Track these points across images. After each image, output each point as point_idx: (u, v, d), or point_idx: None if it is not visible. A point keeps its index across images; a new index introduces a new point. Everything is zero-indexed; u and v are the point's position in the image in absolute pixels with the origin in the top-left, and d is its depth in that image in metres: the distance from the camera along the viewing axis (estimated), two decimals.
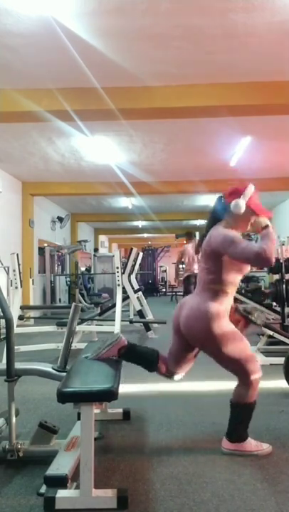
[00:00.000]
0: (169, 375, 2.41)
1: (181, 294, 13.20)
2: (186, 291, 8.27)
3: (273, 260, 2.09)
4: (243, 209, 2.18)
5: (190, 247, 8.32)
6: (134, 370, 4.02)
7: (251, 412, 2.24)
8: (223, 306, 2.19)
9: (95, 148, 7.11)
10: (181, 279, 8.49)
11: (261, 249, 2.02)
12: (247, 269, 2.24)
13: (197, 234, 13.71)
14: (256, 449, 2.24)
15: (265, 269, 5.81)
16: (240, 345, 2.19)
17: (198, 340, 2.23)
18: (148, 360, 2.36)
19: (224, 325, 2.16)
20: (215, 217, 2.28)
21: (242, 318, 2.41)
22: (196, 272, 7.91)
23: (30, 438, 2.24)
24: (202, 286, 2.25)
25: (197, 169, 8.52)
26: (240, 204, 2.17)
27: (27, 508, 1.78)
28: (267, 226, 2.19)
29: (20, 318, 5.39)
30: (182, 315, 2.25)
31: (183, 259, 8.64)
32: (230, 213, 2.22)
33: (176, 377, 2.42)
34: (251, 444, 2.25)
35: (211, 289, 2.20)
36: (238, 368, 2.19)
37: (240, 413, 2.23)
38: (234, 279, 2.22)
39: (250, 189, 2.22)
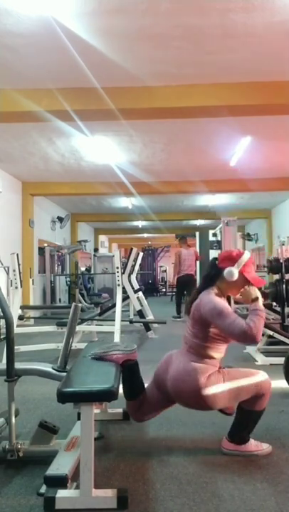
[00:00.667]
0: (134, 417, 2.38)
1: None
2: (179, 292, 8.75)
3: (260, 338, 2.04)
4: (235, 277, 2.16)
5: (184, 251, 8.71)
6: None
7: (259, 419, 2.23)
8: (209, 366, 2.16)
9: (95, 148, 7.11)
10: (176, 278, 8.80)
11: (247, 327, 1.98)
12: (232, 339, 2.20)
13: (197, 234, 13.75)
14: (256, 449, 2.24)
15: (265, 269, 5.80)
16: (231, 395, 2.13)
17: (189, 403, 2.20)
18: (134, 390, 2.33)
19: (213, 384, 2.10)
20: (207, 280, 2.26)
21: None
22: (190, 272, 8.63)
23: (30, 438, 2.24)
24: (188, 347, 2.22)
25: (197, 169, 8.52)
26: (234, 272, 2.16)
27: (27, 508, 1.78)
28: (256, 299, 2.16)
29: (20, 318, 5.39)
30: (169, 377, 2.20)
31: (180, 263, 8.71)
32: (222, 278, 2.20)
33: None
34: (251, 444, 2.25)
35: (196, 352, 2.18)
36: (247, 394, 2.15)
37: (248, 420, 2.22)
38: (219, 347, 2.19)
39: (245, 257, 2.20)
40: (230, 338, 2.13)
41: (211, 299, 2.14)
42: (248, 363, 4.42)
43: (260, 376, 2.20)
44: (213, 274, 2.25)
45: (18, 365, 2.18)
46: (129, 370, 2.31)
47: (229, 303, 2.30)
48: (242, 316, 2.09)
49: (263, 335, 4.87)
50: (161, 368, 2.31)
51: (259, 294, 2.18)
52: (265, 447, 2.26)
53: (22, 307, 5.98)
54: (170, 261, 20.83)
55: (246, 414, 2.21)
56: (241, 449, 2.23)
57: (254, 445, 2.25)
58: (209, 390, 2.09)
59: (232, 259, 2.21)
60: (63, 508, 1.73)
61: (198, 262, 9.87)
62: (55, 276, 11.12)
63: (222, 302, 2.14)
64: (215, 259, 2.31)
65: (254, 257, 16.15)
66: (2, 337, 4.96)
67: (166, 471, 2.07)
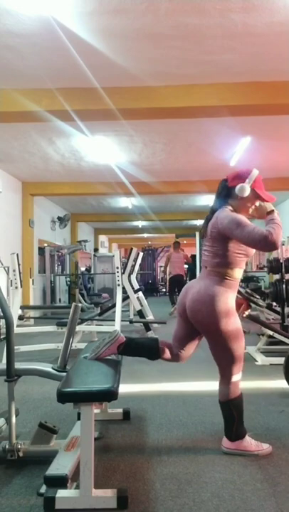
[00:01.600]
0: (174, 358, 2.41)
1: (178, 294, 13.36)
2: (171, 290, 9.92)
3: (279, 244, 2.07)
4: (247, 193, 2.17)
5: (174, 254, 9.96)
6: (134, 370, 4.03)
7: (240, 406, 2.25)
8: (230, 290, 2.19)
9: (95, 148, 7.11)
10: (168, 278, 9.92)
11: (268, 233, 2.00)
12: (252, 252, 2.22)
13: (197, 234, 13.75)
14: (256, 449, 2.24)
15: (265, 269, 5.80)
16: (240, 343, 2.20)
17: (202, 323, 2.21)
18: (149, 350, 2.36)
19: (231, 314, 2.16)
20: (220, 200, 2.28)
21: (244, 301, 2.40)
22: (180, 273, 9.83)
23: (31, 438, 2.24)
24: (208, 270, 2.23)
25: (197, 169, 8.53)
26: (246, 188, 2.16)
27: (27, 508, 1.78)
28: (272, 211, 2.20)
29: (20, 318, 5.39)
30: (188, 298, 2.24)
31: (168, 265, 10.09)
32: (234, 197, 2.22)
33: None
34: (251, 444, 2.25)
35: (218, 273, 2.19)
36: (226, 362, 2.20)
37: (230, 410, 2.24)
38: (240, 262, 2.22)
39: (255, 173, 2.20)
40: (252, 246, 2.12)
41: (228, 213, 2.15)
42: (248, 363, 4.42)
43: (240, 367, 2.24)
44: (224, 194, 2.26)
45: (18, 365, 2.18)
46: (128, 349, 2.32)
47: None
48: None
49: (262, 335, 4.88)
50: (181, 296, 2.34)
51: (273, 207, 2.21)
52: (265, 447, 2.26)
53: (22, 307, 5.98)
54: None
55: (226, 405, 2.25)
56: (242, 449, 2.23)
57: (254, 445, 2.25)
58: (226, 315, 2.13)
59: (242, 177, 2.21)
60: (63, 508, 1.73)
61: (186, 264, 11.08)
62: (55, 276, 11.12)
63: (238, 215, 2.15)
64: (225, 180, 2.30)
65: (254, 257, 16.20)
66: (2, 337, 4.96)
67: (166, 471, 2.07)
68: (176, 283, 9.59)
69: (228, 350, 2.18)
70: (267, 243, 2.00)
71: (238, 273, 2.23)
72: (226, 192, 2.26)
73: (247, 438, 2.26)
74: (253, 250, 2.20)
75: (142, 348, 2.39)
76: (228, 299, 2.17)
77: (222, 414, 2.28)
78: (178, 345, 2.40)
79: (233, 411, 2.24)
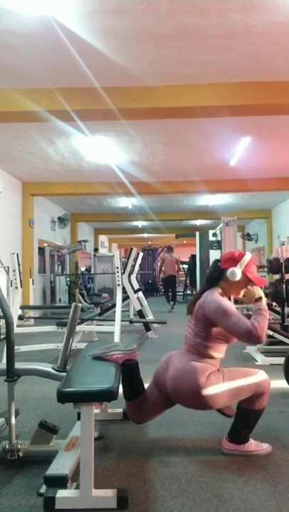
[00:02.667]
0: (132, 418, 2.38)
1: (181, 293, 13.54)
2: (166, 289, 11.42)
3: (264, 338, 2.05)
4: (238, 277, 2.18)
5: (168, 257, 11.36)
6: None
7: (259, 418, 2.23)
8: (209, 366, 2.15)
9: (95, 148, 7.11)
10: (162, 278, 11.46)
11: (252, 328, 1.99)
12: (234, 339, 2.20)
13: (197, 234, 13.78)
14: (256, 449, 2.24)
15: (265, 269, 5.81)
16: (231, 394, 2.13)
17: (188, 402, 2.19)
18: (134, 391, 2.33)
19: (212, 383, 2.10)
20: (210, 281, 2.27)
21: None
22: (173, 273, 11.21)
23: (30, 438, 2.24)
24: (188, 346, 2.23)
25: (197, 169, 8.53)
26: (236, 272, 2.17)
27: (27, 508, 1.78)
28: (260, 298, 2.18)
29: (20, 318, 5.39)
30: (169, 376, 2.20)
31: (163, 266, 11.48)
32: (225, 279, 2.22)
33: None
34: (251, 444, 2.25)
35: (197, 351, 2.18)
36: (245, 396, 2.16)
37: (248, 419, 2.21)
38: (219, 347, 2.20)
39: (247, 257, 2.22)
40: (235, 338, 2.13)
41: (215, 298, 2.14)
42: (248, 363, 4.42)
43: (260, 375, 2.20)
44: (216, 276, 2.26)
45: (18, 365, 2.18)
46: (129, 371, 2.31)
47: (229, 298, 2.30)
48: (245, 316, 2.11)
49: (260, 343, 4.87)
50: (161, 368, 2.31)
51: (262, 294, 2.20)
52: (265, 447, 2.26)
53: (22, 307, 5.98)
54: None
55: (246, 413, 2.21)
56: (241, 449, 2.23)
57: (254, 445, 2.25)
58: (209, 390, 2.09)
59: (234, 260, 2.22)
60: (63, 508, 1.73)
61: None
62: (55, 276, 11.12)
63: (227, 301, 2.14)
64: (217, 261, 2.33)
65: (254, 257, 16.17)
66: (2, 337, 4.96)
67: (166, 471, 2.07)
68: (170, 282, 11.15)
69: (235, 396, 2.14)
70: (251, 337, 2.00)
71: (217, 355, 2.20)
72: (217, 273, 2.25)
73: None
74: (235, 338, 2.18)
75: (133, 383, 2.34)
76: (206, 372, 2.12)
77: (236, 417, 2.24)
78: (147, 413, 2.34)
79: (250, 420, 2.21)
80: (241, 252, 2.29)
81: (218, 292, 2.19)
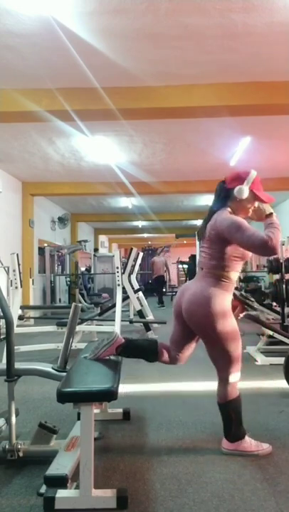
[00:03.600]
0: (172, 361, 2.41)
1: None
2: (156, 289, 12.51)
3: (278, 249, 2.06)
4: (246, 194, 2.16)
5: (157, 259, 12.56)
6: (134, 370, 4.03)
7: (238, 407, 2.24)
8: (226, 292, 2.19)
9: (95, 148, 7.11)
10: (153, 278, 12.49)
11: (268, 238, 1.99)
12: (249, 255, 2.23)
13: (197, 234, 13.79)
14: (256, 449, 2.24)
15: (265, 269, 5.81)
16: (236, 343, 2.19)
17: (198, 325, 2.21)
18: (147, 352, 2.37)
19: (227, 315, 2.15)
20: (218, 202, 2.26)
21: (239, 303, 2.40)
22: (162, 274, 12.32)
23: (31, 438, 2.24)
24: (204, 272, 2.23)
25: (197, 169, 8.53)
26: (244, 190, 2.15)
27: (27, 508, 1.78)
28: (271, 214, 2.19)
29: (20, 318, 5.39)
30: (184, 300, 2.23)
31: (153, 267, 12.38)
32: (233, 199, 2.21)
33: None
34: (251, 444, 2.25)
35: (214, 274, 2.19)
36: (223, 363, 2.20)
37: (228, 411, 2.24)
38: (236, 266, 2.21)
39: (253, 175, 2.19)
40: (251, 251, 2.13)
41: (227, 216, 2.14)
42: (248, 363, 4.42)
43: (239, 367, 2.23)
44: (223, 196, 2.24)
45: (18, 365, 2.18)
46: (127, 350, 2.32)
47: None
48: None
49: (262, 335, 4.88)
50: (177, 297, 2.34)
51: (272, 210, 2.20)
52: (265, 447, 2.26)
53: (22, 307, 5.98)
54: (170, 261, 20.84)
55: (224, 407, 2.24)
56: (241, 449, 2.23)
57: (254, 445, 2.25)
58: (222, 316, 2.12)
59: (240, 178, 2.19)
60: (63, 508, 1.73)
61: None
62: (55, 276, 11.12)
63: (238, 218, 2.13)
64: (223, 182, 2.29)
65: (254, 257, 16.18)
66: (2, 337, 4.96)
67: (166, 471, 2.07)
68: (159, 282, 12.43)
69: (225, 352, 2.18)
70: (266, 248, 1.99)
71: (234, 275, 2.23)
72: (224, 193, 2.24)
73: (247, 438, 2.26)
74: (250, 254, 2.20)
75: (140, 349, 2.40)
76: (224, 300, 2.17)
77: (221, 415, 2.28)
78: (175, 348, 2.39)
79: (231, 412, 2.23)
80: (246, 170, 2.25)
81: (228, 211, 2.19)
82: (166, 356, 2.38)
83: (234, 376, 2.22)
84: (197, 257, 12.92)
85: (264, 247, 1.99)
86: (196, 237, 2.33)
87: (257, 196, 2.21)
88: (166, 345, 2.41)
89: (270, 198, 2.24)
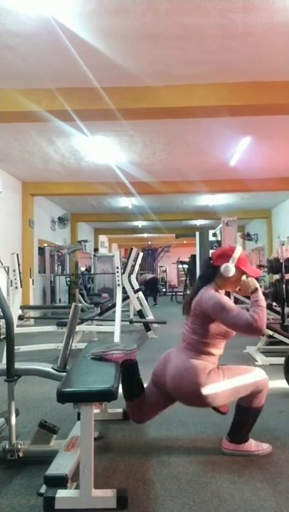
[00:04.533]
0: (134, 417, 2.37)
1: (181, 293, 13.87)
2: (146, 290, 12.04)
3: (264, 329, 2.07)
4: (232, 272, 2.18)
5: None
6: None
7: (258, 416, 2.23)
8: (208, 363, 2.16)
9: (95, 148, 7.11)
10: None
11: (252, 319, 2.00)
12: (232, 335, 2.20)
13: (197, 234, 13.82)
14: (256, 449, 2.24)
15: (265, 269, 5.81)
16: (231, 392, 2.15)
17: (188, 400, 2.20)
18: (134, 391, 2.33)
19: (213, 381, 2.11)
20: (204, 279, 2.27)
21: None
22: (154, 276, 13.31)
23: (31, 438, 2.24)
24: (186, 344, 2.23)
25: (197, 169, 8.53)
26: (230, 267, 2.18)
27: (27, 508, 1.78)
28: (256, 289, 2.18)
29: (20, 318, 5.39)
30: (168, 374, 2.20)
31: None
32: (219, 275, 2.22)
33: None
34: (251, 445, 2.25)
35: (195, 349, 2.18)
36: (234, 397, 2.18)
37: (247, 417, 2.22)
38: (218, 344, 2.20)
39: (238, 251, 2.22)
40: (236, 331, 2.13)
41: (212, 294, 2.15)
42: (248, 363, 4.41)
43: (258, 373, 2.21)
44: (210, 274, 2.26)
45: (18, 365, 2.18)
46: (128, 370, 2.31)
47: (229, 297, 2.30)
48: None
49: (262, 335, 4.88)
50: (159, 366, 2.31)
51: (258, 285, 2.21)
52: (265, 447, 2.26)
53: (22, 307, 5.98)
54: (170, 261, 20.85)
55: (245, 411, 2.21)
56: (241, 449, 2.23)
57: (254, 445, 2.25)
58: (209, 388, 2.09)
59: (226, 256, 2.22)
60: (63, 508, 1.73)
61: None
62: (55, 276, 11.11)
63: (223, 297, 2.15)
64: (209, 258, 2.34)
65: (254, 257, 16.18)
66: (2, 337, 4.96)
67: (166, 471, 2.07)
68: (152, 284, 12.95)
69: (234, 394, 2.15)
70: (251, 329, 2.01)
71: (215, 352, 2.21)
72: (211, 270, 2.26)
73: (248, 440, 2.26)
74: (234, 333, 2.18)
75: (133, 383, 2.34)
76: (206, 370, 2.12)
77: (235, 416, 2.25)
78: (147, 412, 2.34)
79: (249, 419, 2.21)
80: (232, 247, 2.29)
81: (214, 288, 2.20)
82: (134, 409, 2.34)
83: (259, 382, 2.17)
84: (197, 257, 13.01)
85: (249, 329, 2.01)
86: (182, 311, 2.32)
87: (243, 272, 2.23)
88: (141, 403, 2.34)
89: (256, 272, 2.26)
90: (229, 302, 2.11)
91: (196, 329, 2.19)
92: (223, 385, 2.12)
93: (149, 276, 13.62)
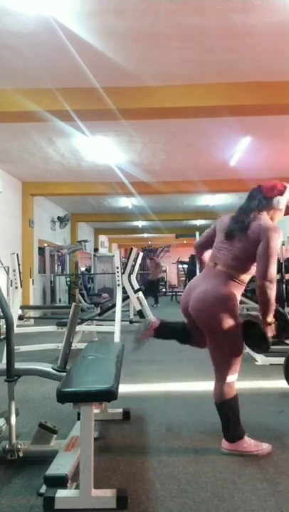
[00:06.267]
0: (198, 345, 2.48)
1: (181, 293, 13.80)
2: (150, 291, 12.67)
3: (271, 297, 2.15)
4: (283, 206, 2.29)
5: (148, 261, 14.03)
6: (134, 370, 4.03)
7: (235, 407, 2.26)
8: (237, 294, 2.22)
9: (95, 148, 7.11)
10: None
11: (272, 281, 2.12)
12: None
13: (197, 234, 13.81)
14: (256, 449, 2.24)
15: None
16: (240, 344, 2.23)
17: (205, 323, 2.24)
18: (179, 334, 2.46)
19: (235, 316, 2.18)
20: (252, 205, 2.30)
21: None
22: (159, 276, 13.45)
23: (31, 438, 2.24)
24: (218, 270, 2.25)
25: (197, 169, 8.53)
26: (283, 202, 2.28)
27: (27, 508, 1.78)
28: None
29: (20, 318, 5.39)
30: (193, 297, 2.26)
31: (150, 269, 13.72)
32: (270, 206, 2.28)
33: None
34: (251, 444, 2.25)
35: (229, 274, 2.22)
36: (224, 362, 2.23)
37: (225, 412, 2.26)
38: (253, 270, 2.26)
39: None
40: (258, 266, 2.16)
41: (274, 226, 2.19)
42: (248, 363, 4.42)
43: (237, 368, 2.26)
44: (259, 202, 2.29)
45: (18, 365, 2.18)
46: (161, 332, 2.41)
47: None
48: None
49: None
50: (185, 295, 2.40)
51: None
52: (265, 447, 2.26)
53: (22, 307, 5.98)
54: (170, 261, 20.84)
55: (220, 407, 2.26)
56: (241, 449, 2.23)
57: (254, 445, 2.25)
58: (231, 314, 2.16)
59: (278, 189, 2.30)
60: (63, 508, 1.73)
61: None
62: (55, 276, 11.11)
63: (278, 245, 2.19)
64: (259, 187, 2.35)
65: None
66: (2, 337, 4.96)
67: (166, 471, 2.07)
68: (152, 283, 13.29)
69: (228, 351, 2.20)
70: (265, 279, 2.11)
71: (246, 279, 2.28)
72: (264, 201, 2.29)
73: (246, 438, 2.26)
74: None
75: (173, 332, 2.47)
76: (234, 300, 2.20)
77: (219, 415, 2.29)
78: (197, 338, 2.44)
79: (228, 412, 2.25)
80: (282, 183, 2.35)
81: (276, 226, 2.23)
82: (199, 342, 2.43)
83: (232, 377, 2.24)
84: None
85: (264, 277, 2.10)
86: (224, 236, 2.33)
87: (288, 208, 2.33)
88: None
89: None
90: (276, 253, 2.14)
91: (239, 255, 2.22)
92: (236, 329, 2.19)
93: (159, 275, 14.05)
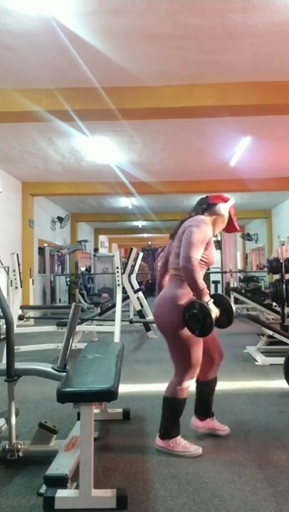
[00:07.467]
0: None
1: None
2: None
3: (193, 277, 2.09)
4: (225, 213, 2.41)
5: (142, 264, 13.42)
6: (134, 370, 4.03)
7: (180, 408, 2.27)
8: (190, 294, 2.18)
9: (95, 148, 7.11)
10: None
11: (194, 266, 2.08)
12: (213, 262, 2.34)
13: None
14: (183, 450, 2.24)
15: (265, 269, 5.81)
16: (197, 348, 2.21)
17: (161, 328, 2.27)
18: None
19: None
20: (197, 210, 2.43)
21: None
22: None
23: (31, 438, 2.24)
24: (171, 274, 2.34)
25: (197, 169, 8.52)
26: (225, 208, 2.41)
27: (27, 508, 1.78)
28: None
29: (20, 318, 5.39)
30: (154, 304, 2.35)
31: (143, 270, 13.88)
32: (212, 211, 2.39)
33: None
34: (178, 445, 2.26)
35: (178, 276, 2.24)
36: (182, 367, 2.24)
37: (170, 408, 2.27)
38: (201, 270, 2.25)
39: (232, 201, 2.48)
40: (180, 255, 2.17)
41: (201, 219, 2.28)
42: (248, 363, 4.42)
43: (196, 373, 2.26)
44: (203, 208, 2.41)
45: (18, 365, 2.18)
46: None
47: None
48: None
49: (262, 335, 4.88)
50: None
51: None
52: (192, 450, 2.25)
53: (22, 307, 5.98)
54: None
55: (166, 401, 2.28)
56: (169, 448, 2.25)
57: (182, 446, 2.26)
58: (179, 320, 2.16)
59: (223, 199, 2.44)
60: (63, 508, 1.73)
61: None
62: (55, 276, 11.11)
63: (204, 230, 2.23)
64: (206, 197, 2.48)
65: (254, 257, 16.16)
66: (2, 337, 4.96)
67: (166, 471, 2.07)
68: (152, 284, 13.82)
69: (185, 355, 2.21)
70: (187, 263, 2.09)
71: None
72: (206, 206, 2.42)
73: (177, 438, 2.27)
74: (214, 260, 2.33)
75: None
76: (183, 299, 2.19)
77: (162, 409, 2.31)
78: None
79: (168, 409, 2.27)
80: (227, 197, 2.49)
81: (204, 218, 2.31)
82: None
83: (188, 382, 2.25)
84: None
85: (185, 261, 2.09)
86: (169, 236, 2.42)
87: (230, 219, 2.47)
88: None
89: (238, 226, 2.55)
90: (203, 238, 2.19)
91: (178, 252, 2.25)
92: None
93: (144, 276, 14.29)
